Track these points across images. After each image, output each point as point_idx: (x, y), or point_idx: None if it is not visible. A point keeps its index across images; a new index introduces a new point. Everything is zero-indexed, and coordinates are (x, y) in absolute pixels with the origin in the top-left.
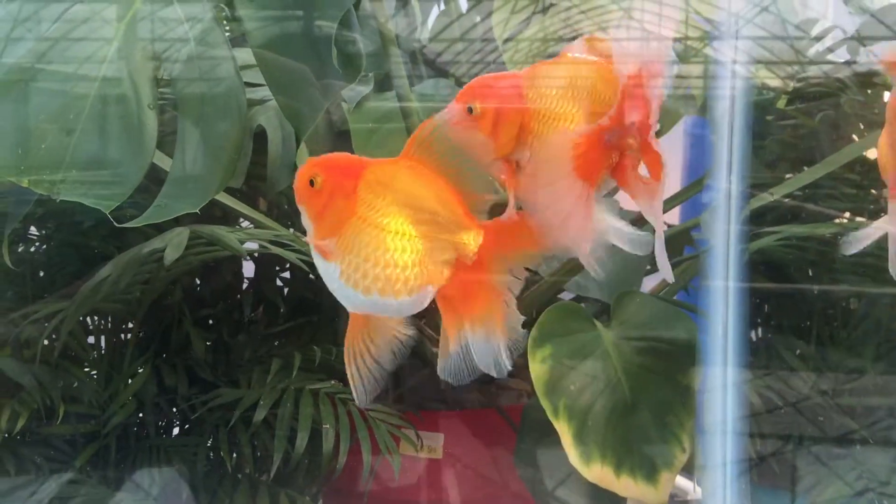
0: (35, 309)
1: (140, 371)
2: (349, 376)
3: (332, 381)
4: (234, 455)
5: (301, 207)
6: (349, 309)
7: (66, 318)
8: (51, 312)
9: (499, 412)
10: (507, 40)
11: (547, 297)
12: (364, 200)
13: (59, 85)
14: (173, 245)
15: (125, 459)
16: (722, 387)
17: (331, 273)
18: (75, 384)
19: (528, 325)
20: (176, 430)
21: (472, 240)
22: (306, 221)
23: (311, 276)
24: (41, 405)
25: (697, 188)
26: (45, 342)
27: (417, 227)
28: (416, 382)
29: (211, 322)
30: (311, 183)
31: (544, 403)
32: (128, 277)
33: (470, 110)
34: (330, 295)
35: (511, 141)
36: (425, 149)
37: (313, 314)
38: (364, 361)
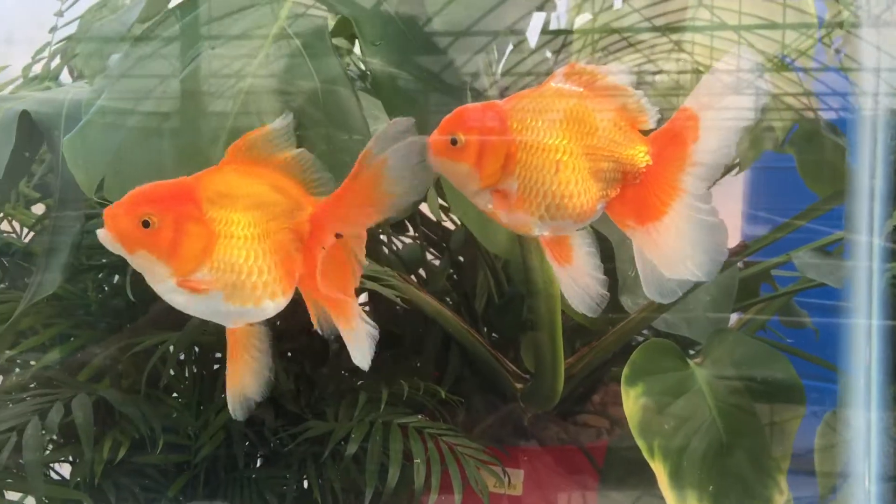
0: (138, 340)
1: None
2: (234, 392)
3: (420, 416)
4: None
5: (137, 254)
6: (231, 326)
7: (174, 349)
8: (154, 343)
9: (580, 450)
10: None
11: (632, 334)
12: (217, 218)
13: (192, 122)
14: None
15: (216, 490)
16: (865, 431)
17: (212, 301)
18: (174, 415)
19: (614, 363)
20: (259, 461)
21: (308, 218)
22: (149, 265)
23: (397, 307)
24: (140, 435)
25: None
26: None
27: (273, 222)
28: (495, 418)
29: (291, 355)
30: (146, 224)
31: (639, 443)
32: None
33: (454, 142)
34: (413, 327)
35: (497, 171)
36: (246, 152)
37: (395, 347)
38: (253, 372)
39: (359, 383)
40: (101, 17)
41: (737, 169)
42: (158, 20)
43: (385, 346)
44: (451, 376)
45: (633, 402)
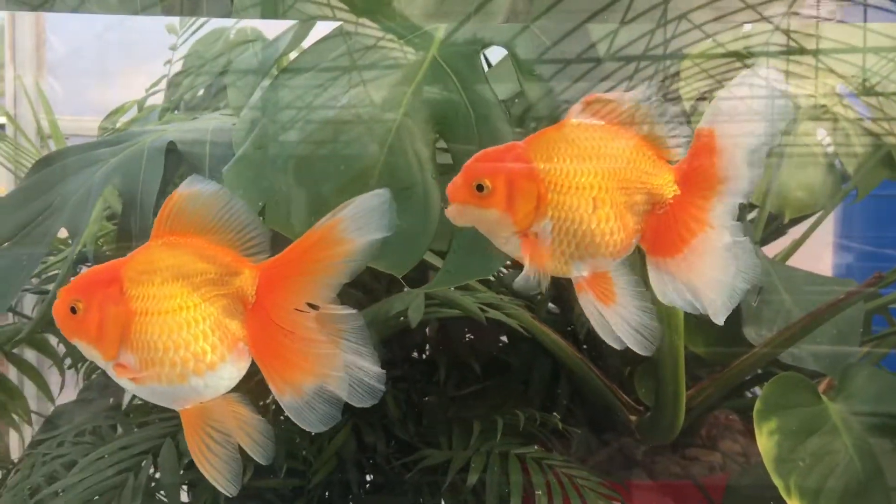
0: None
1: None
2: (207, 476)
3: (535, 447)
4: None
5: (74, 341)
6: (178, 407)
7: None
8: None
9: (695, 485)
10: None
11: (756, 368)
12: (135, 296)
13: (348, 151)
14: (415, 308)
15: None
16: None
17: (148, 385)
18: (297, 439)
19: (739, 390)
20: (369, 488)
21: (248, 282)
22: (86, 350)
23: (507, 338)
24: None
25: None
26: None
27: (197, 292)
28: (608, 450)
29: (398, 381)
30: (73, 311)
31: (776, 480)
32: (375, 337)
33: (480, 188)
34: (520, 355)
35: (531, 213)
36: (174, 221)
37: (501, 375)
38: (214, 454)
39: (461, 412)
40: (213, 50)
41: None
42: (307, 51)
43: (490, 375)
44: (562, 407)
45: (766, 437)
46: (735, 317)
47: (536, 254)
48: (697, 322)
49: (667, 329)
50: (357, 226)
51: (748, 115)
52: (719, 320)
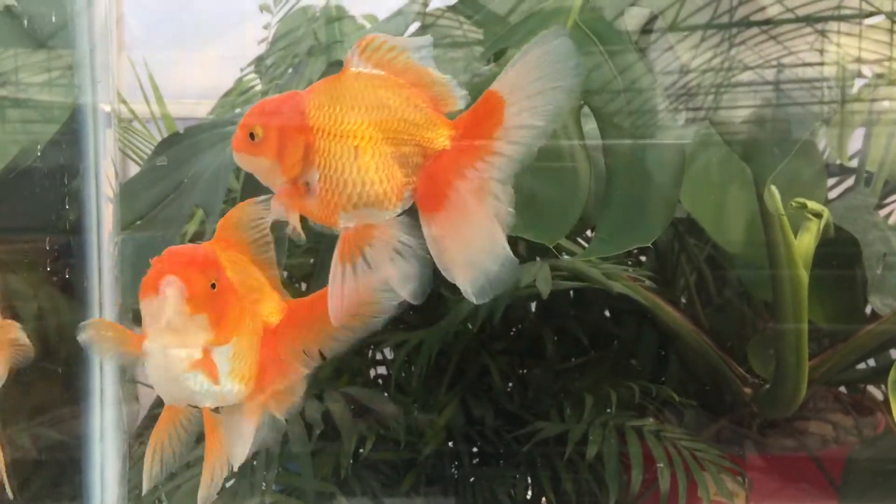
0: (382, 338)
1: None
2: (147, 464)
3: (651, 419)
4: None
5: (198, 317)
6: (205, 403)
7: (425, 348)
8: (399, 341)
9: (811, 458)
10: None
11: (882, 338)
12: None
13: None
14: (543, 279)
15: (446, 488)
16: None
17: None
18: (414, 412)
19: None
20: (477, 460)
21: (274, 312)
22: (201, 330)
23: (609, 311)
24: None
25: None
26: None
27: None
28: (723, 423)
29: (500, 355)
30: (213, 286)
31: None
32: (500, 310)
33: (252, 136)
34: (625, 328)
35: (298, 162)
36: (232, 230)
37: (605, 348)
38: (168, 451)
39: (567, 384)
40: (299, 30)
41: None
42: (425, 26)
43: (594, 348)
44: (672, 379)
45: None
46: (854, 287)
47: (293, 203)
48: (818, 291)
49: (790, 284)
50: None
51: (538, 78)
52: (470, 297)
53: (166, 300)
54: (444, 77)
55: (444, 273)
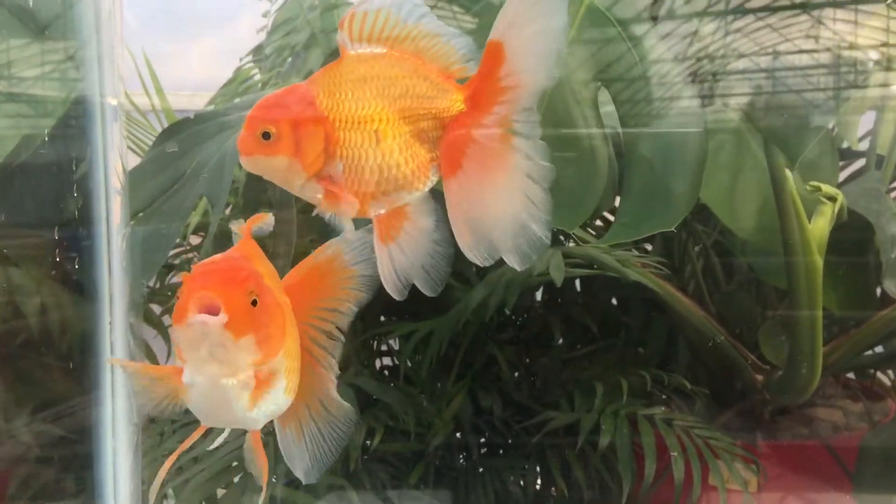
0: (387, 329)
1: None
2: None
3: (662, 408)
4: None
5: (243, 340)
6: (259, 426)
7: (434, 338)
8: (408, 332)
9: (823, 445)
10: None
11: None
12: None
13: None
14: (556, 266)
15: (455, 479)
16: None
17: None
18: (423, 403)
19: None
20: (484, 450)
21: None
22: (247, 352)
23: (616, 299)
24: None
25: None
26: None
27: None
28: (734, 410)
29: (507, 344)
30: (254, 303)
31: None
32: (514, 298)
33: (266, 135)
34: (633, 316)
35: (320, 157)
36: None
37: (616, 336)
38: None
39: (576, 373)
40: (298, 19)
41: None
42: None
43: (602, 336)
44: (681, 367)
45: None
46: (867, 272)
47: (331, 197)
48: (830, 276)
49: (804, 270)
50: None
51: (536, 20)
52: (510, 260)
53: (207, 329)
54: (443, 33)
55: (468, 247)
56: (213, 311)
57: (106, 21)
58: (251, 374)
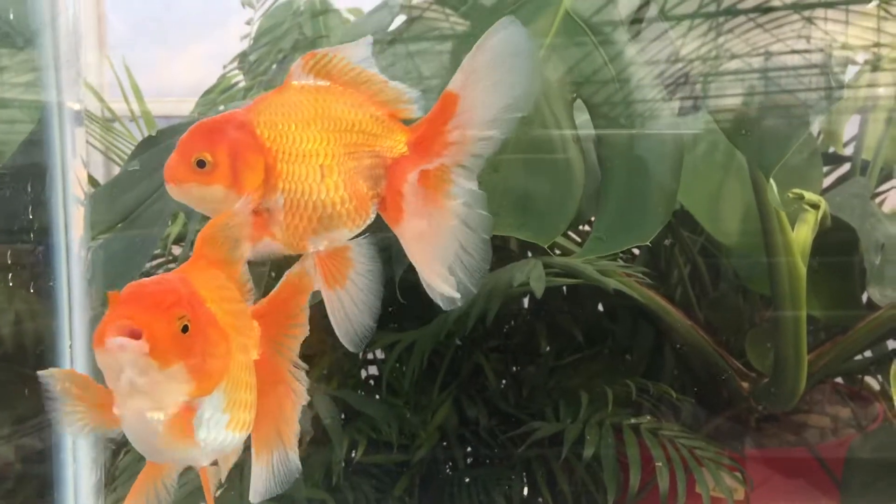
0: (373, 339)
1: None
2: None
3: (648, 417)
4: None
5: (172, 369)
6: (204, 462)
7: (417, 348)
8: (391, 342)
9: (811, 452)
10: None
11: (881, 330)
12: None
13: None
14: (536, 277)
15: (441, 490)
16: None
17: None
18: (407, 415)
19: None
20: (470, 461)
21: (254, 334)
22: (178, 382)
23: (602, 307)
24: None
25: None
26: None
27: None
28: (720, 419)
29: (493, 353)
30: (185, 329)
31: None
32: (494, 309)
33: (201, 163)
34: (619, 324)
35: (259, 188)
36: (210, 245)
37: (599, 344)
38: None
39: (562, 382)
40: (283, 25)
41: None
42: (411, 19)
43: (588, 344)
44: (667, 375)
45: None
46: (852, 277)
47: (264, 231)
48: (815, 282)
49: (788, 278)
50: None
51: (489, 71)
52: (440, 301)
53: (126, 355)
54: (395, 83)
55: (427, 287)
56: (135, 336)
57: (65, 23)
58: (184, 408)
